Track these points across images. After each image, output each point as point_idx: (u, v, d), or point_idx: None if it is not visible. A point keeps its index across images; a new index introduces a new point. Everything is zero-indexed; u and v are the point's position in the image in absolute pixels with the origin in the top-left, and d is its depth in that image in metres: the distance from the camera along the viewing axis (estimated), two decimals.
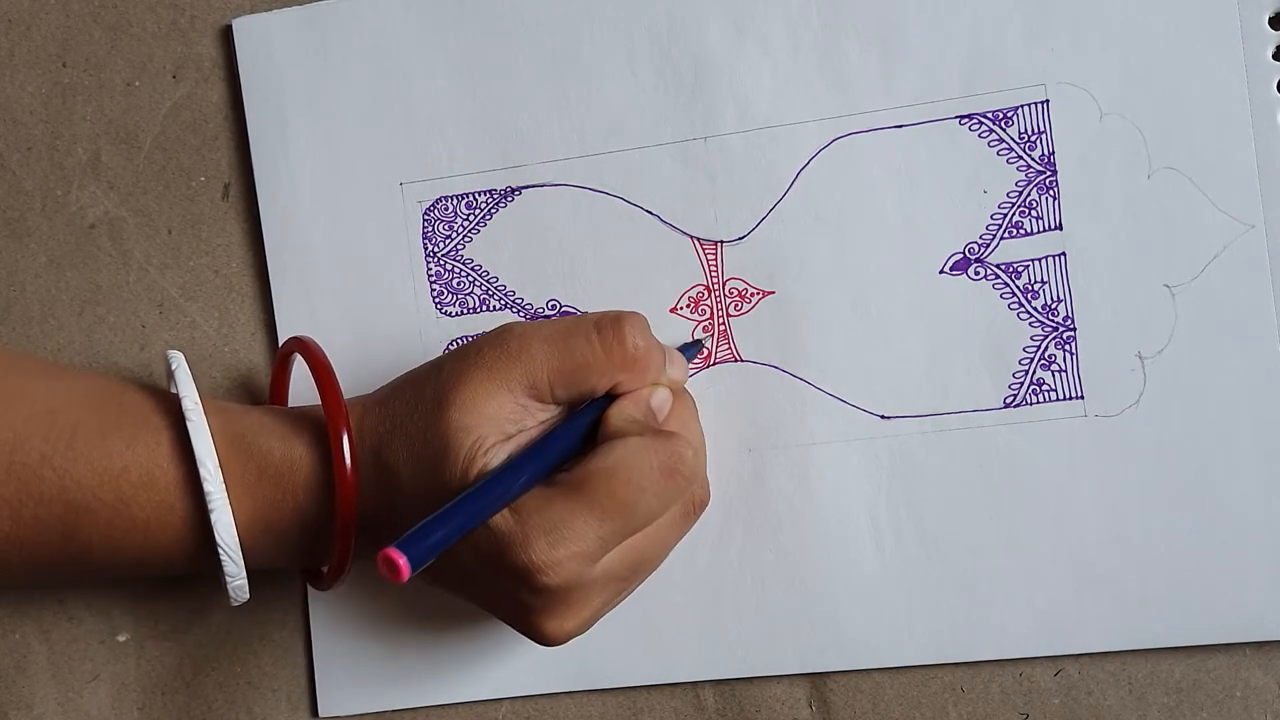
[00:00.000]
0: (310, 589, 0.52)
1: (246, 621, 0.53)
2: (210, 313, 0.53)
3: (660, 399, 0.44)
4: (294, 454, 0.44)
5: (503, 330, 0.44)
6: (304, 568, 0.48)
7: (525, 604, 0.41)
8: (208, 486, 0.43)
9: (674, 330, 0.50)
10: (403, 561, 0.36)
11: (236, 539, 0.43)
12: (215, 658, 0.53)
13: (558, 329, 0.43)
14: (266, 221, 0.52)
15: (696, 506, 0.45)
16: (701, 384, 0.50)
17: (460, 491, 0.40)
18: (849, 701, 0.50)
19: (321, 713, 0.52)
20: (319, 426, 0.45)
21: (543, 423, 0.43)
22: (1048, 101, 0.48)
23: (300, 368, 0.50)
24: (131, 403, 0.45)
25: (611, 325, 0.43)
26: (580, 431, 0.43)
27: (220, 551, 0.43)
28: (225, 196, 0.53)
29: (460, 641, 0.51)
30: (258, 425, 0.45)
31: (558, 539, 0.40)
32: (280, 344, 0.51)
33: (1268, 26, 0.46)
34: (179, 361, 0.46)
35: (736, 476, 0.50)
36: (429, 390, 0.43)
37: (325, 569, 0.46)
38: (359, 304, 0.52)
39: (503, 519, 0.40)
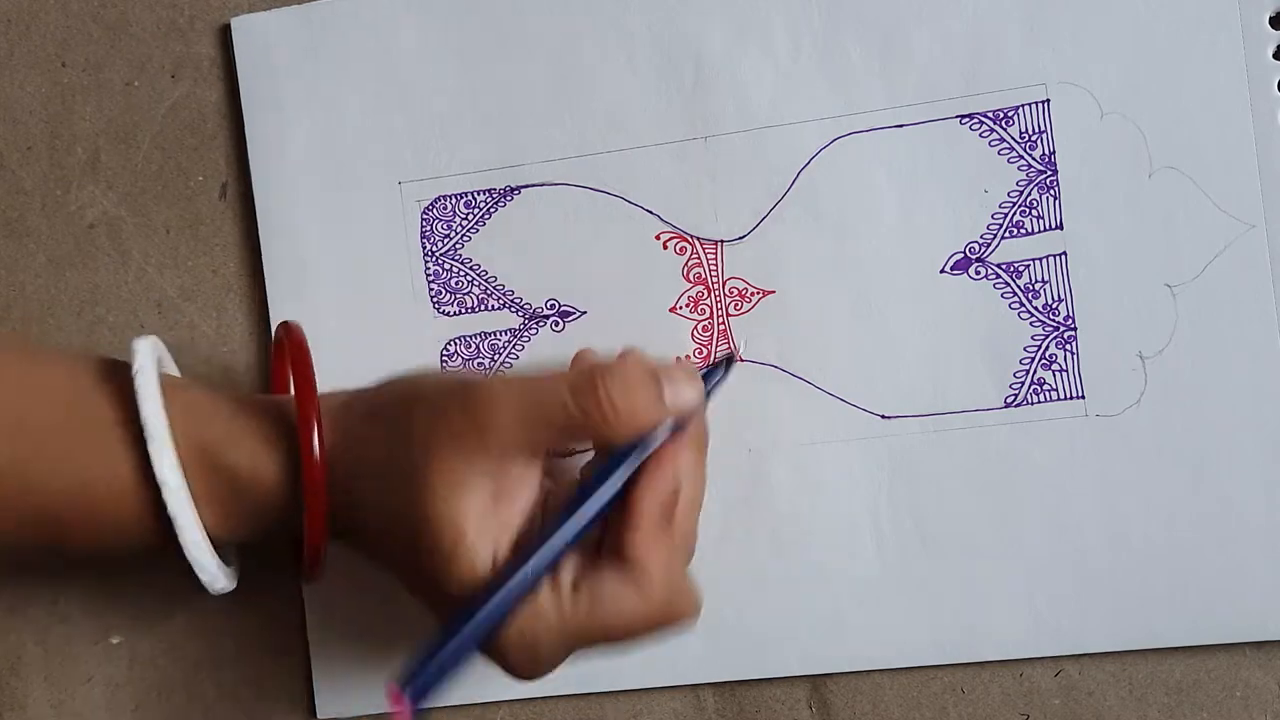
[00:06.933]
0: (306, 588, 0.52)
1: (244, 622, 0.53)
2: (208, 312, 0.53)
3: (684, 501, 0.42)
4: (260, 468, 0.43)
5: (471, 392, 0.41)
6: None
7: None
8: (172, 510, 0.42)
9: (674, 329, 0.50)
10: (401, 707, 0.38)
11: (207, 553, 0.43)
12: (212, 659, 0.53)
13: (530, 395, 0.40)
14: (264, 221, 0.52)
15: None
16: None
17: (448, 593, 0.40)
18: (849, 703, 0.49)
19: (320, 714, 0.52)
20: (289, 432, 0.44)
21: (529, 478, 0.41)
22: (1048, 101, 0.48)
23: None
24: (98, 413, 0.43)
25: (587, 387, 0.40)
26: (580, 532, 0.41)
27: (192, 564, 0.43)
28: (223, 196, 0.53)
29: None
30: (224, 436, 0.44)
31: (537, 664, 0.41)
32: (274, 329, 0.51)
33: (1268, 26, 0.46)
34: (141, 364, 0.43)
35: (736, 476, 0.49)
36: (401, 451, 0.41)
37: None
38: (357, 304, 0.52)
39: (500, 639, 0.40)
